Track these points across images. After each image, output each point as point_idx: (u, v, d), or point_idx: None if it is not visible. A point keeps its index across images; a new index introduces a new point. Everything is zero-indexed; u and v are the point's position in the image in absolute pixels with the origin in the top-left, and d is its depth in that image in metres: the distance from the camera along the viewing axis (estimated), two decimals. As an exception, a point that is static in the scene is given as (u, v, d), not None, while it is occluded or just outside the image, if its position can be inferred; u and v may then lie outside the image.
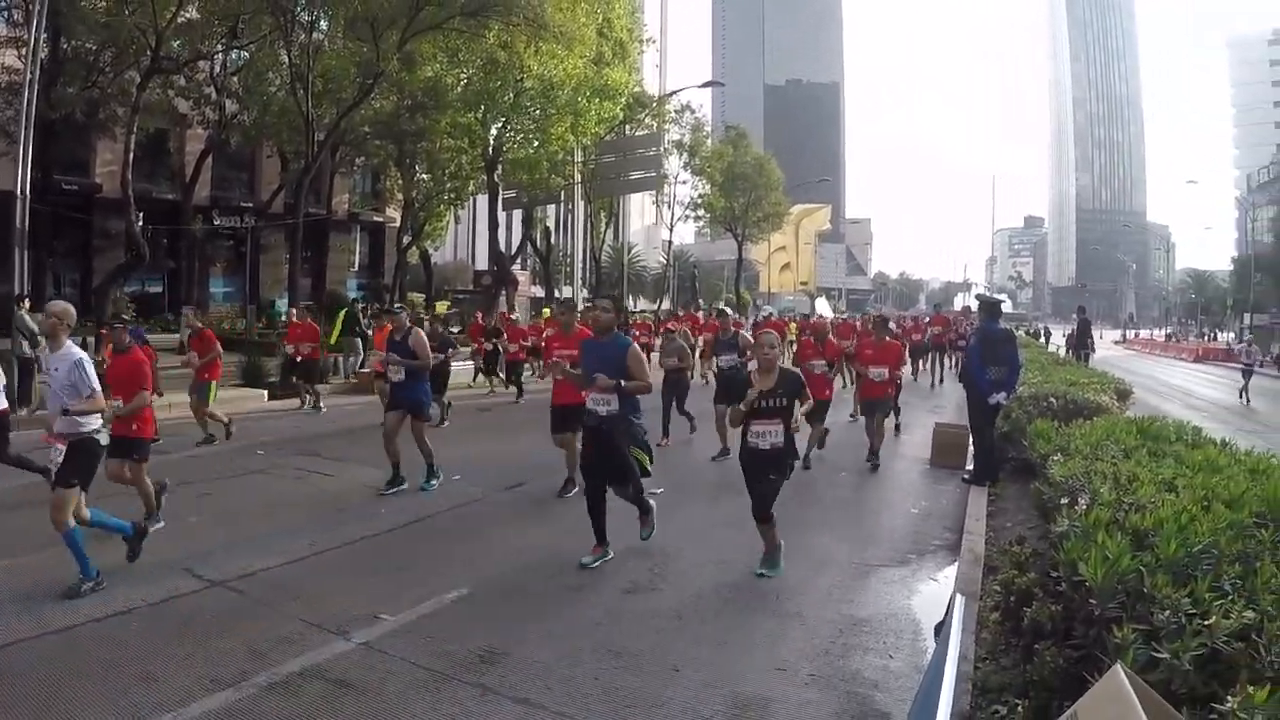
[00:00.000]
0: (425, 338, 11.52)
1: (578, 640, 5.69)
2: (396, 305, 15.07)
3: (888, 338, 14.67)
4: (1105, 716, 2.70)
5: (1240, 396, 30.07)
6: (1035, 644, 4.62)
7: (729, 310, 16.82)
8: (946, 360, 31.23)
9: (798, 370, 8.25)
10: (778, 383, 7.60)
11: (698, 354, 22.66)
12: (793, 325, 34.58)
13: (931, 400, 23.92)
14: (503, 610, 6.68)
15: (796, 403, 7.70)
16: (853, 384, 33.48)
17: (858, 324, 32.77)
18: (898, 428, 16.96)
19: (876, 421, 13.46)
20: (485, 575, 7.52)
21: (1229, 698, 2.93)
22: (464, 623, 6.51)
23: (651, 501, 8.37)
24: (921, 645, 6.33)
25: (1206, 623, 3.36)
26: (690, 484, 11.58)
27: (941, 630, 6.62)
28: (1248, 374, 30.44)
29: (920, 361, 28.63)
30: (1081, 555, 4.08)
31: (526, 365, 23.25)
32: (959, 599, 4.62)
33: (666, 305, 62.39)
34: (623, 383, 8.01)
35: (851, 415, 17.93)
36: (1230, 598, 3.59)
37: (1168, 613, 3.48)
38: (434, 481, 10.95)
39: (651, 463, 8.31)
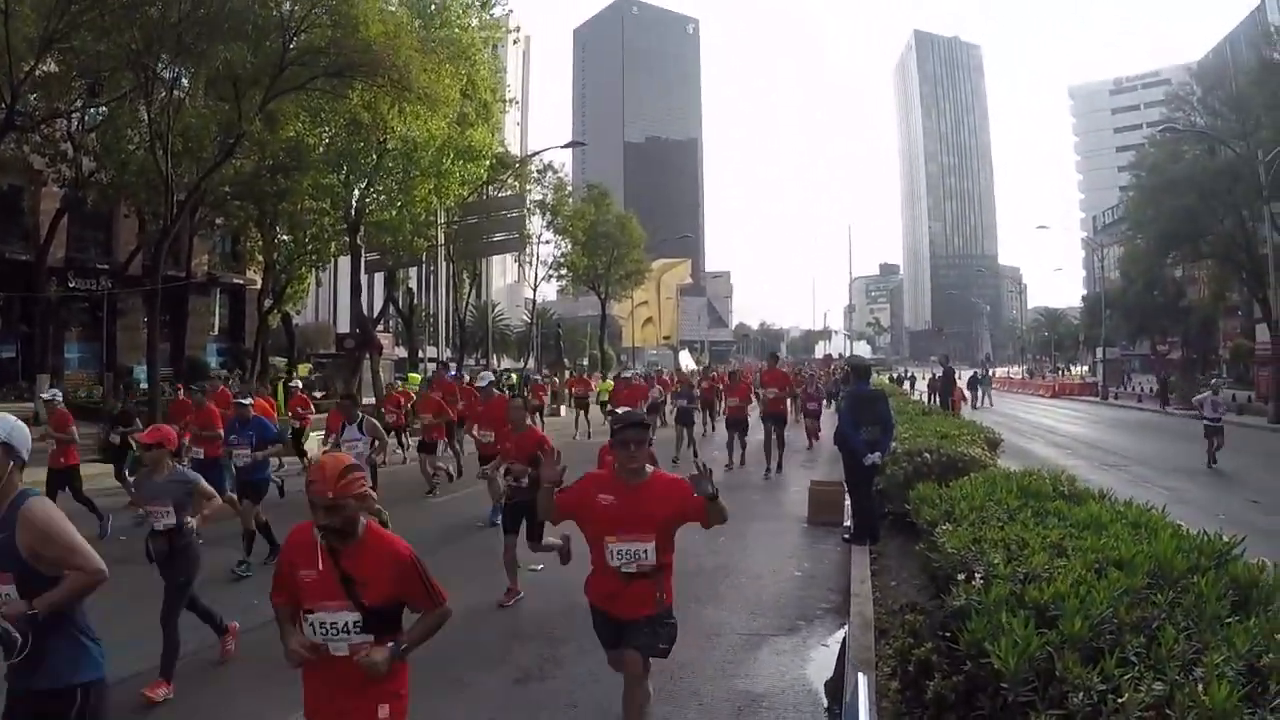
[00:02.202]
0: None
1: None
2: None
3: (652, 467, 5.72)
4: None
5: (1210, 463, 21.60)
6: (941, 717, 4.66)
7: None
8: (800, 432, 26.28)
9: None
10: None
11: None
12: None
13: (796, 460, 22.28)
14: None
15: None
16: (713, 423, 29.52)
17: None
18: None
19: (628, 674, 5.48)
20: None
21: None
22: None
23: None
24: (822, 717, 6.33)
25: (1120, 700, 3.41)
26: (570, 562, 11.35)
27: (831, 687, 6.68)
28: (1215, 432, 21.79)
29: (740, 436, 21.19)
30: (988, 636, 4.12)
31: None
32: (861, 679, 4.64)
33: (531, 364, 62.49)
34: None
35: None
36: (1137, 668, 3.66)
37: (1081, 695, 3.53)
38: None
39: None
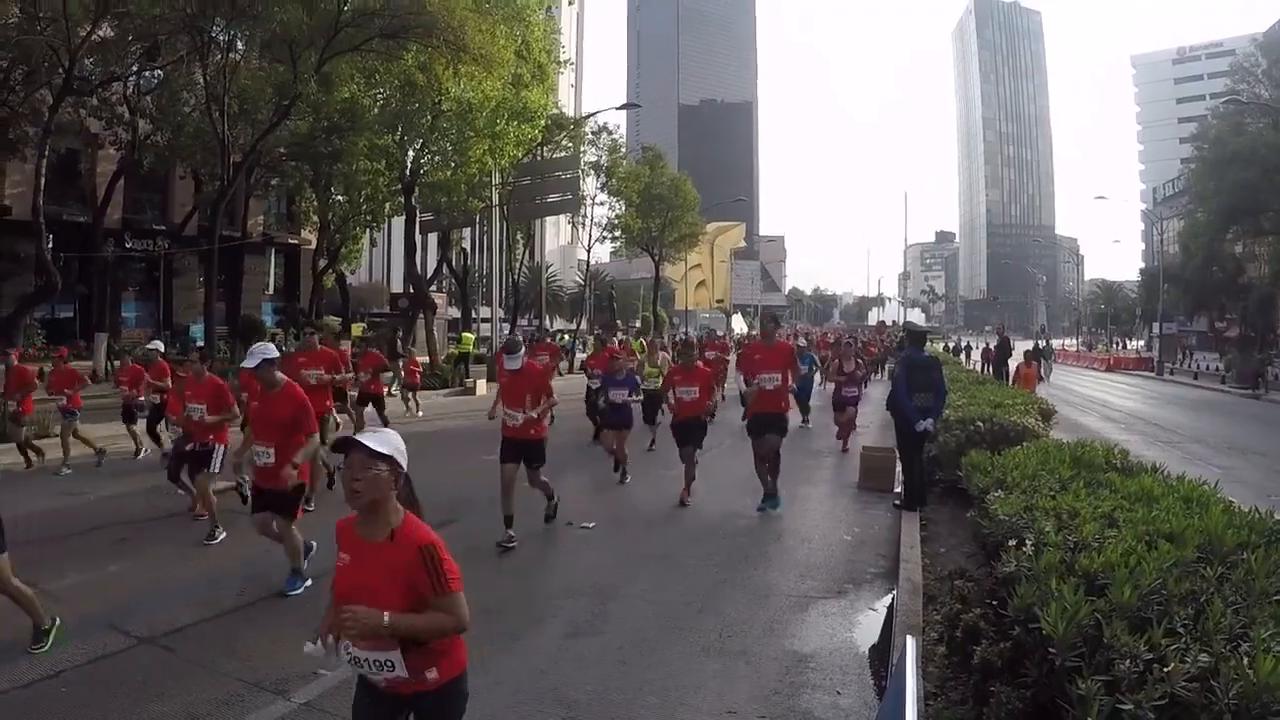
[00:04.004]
0: None
1: (522, 690, 5.58)
2: None
3: None
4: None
5: None
6: (987, 682, 4.65)
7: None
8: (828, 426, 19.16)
9: None
10: None
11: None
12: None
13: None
14: (443, 659, 6.54)
15: None
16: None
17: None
18: None
19: None
20: (423, 621, 7.31)
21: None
22: (405, 675, 6.31)
23: None
24: (867, 679, 6.35)
25: (1165, 669, 3.41)
26: (622, 518, 11.45)
27: (876, 652, 6.69)
28: None
29: (690, 452, 12.38)
30: (1038, 602, 4.12)
31: None
32: (909, 641, 4.63)
33: (584, 325, 62.56)
34: None
35: None
36: (1184, 639, 3.66)
37: (1128, 662, 3.52)
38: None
39: None
